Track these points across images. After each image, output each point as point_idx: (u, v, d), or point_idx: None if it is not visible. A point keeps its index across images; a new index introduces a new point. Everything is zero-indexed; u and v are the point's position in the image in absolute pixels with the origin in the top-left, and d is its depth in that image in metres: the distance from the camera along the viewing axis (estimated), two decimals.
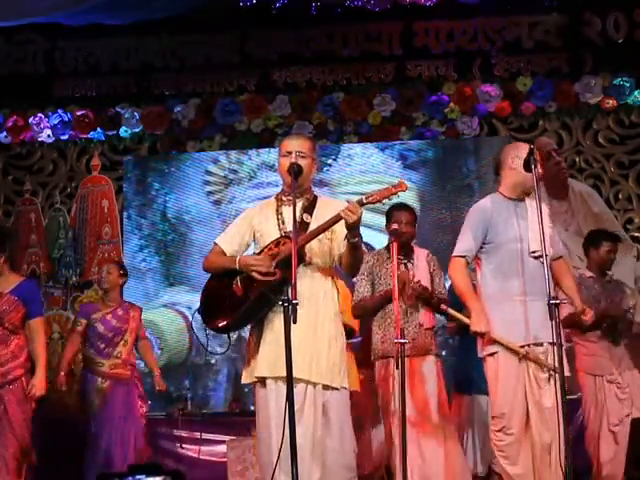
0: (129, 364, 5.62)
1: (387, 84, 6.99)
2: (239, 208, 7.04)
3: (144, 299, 6.70)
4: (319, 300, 3.58)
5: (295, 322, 3.17)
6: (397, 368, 4.18)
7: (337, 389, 3.54)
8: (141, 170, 7.28)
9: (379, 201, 3.45)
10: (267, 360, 3.52)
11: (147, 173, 7.25)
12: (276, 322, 3.50)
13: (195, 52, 7.17)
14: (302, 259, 3.55)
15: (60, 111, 7.17)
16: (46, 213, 7.21)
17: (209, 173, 7.16)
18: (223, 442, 5.90)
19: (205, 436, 6.25)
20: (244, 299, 3.58)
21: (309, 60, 7.09)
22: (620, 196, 6.79)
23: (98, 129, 7.19)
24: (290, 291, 3.22)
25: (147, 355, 5.88)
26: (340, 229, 3.49)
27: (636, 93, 6.74)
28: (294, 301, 3.20)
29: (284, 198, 3.70)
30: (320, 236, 3.56)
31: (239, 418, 6.31)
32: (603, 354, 5.10)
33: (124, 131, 7.16)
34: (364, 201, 3.41)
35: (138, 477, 2.54)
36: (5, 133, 7.24)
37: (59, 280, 7.02)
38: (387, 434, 4.66)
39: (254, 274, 3.53)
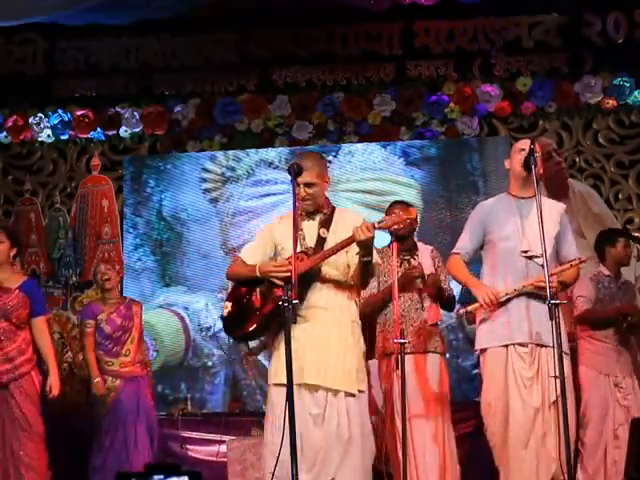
0: (139, 361, 5.64)
1: (387, 84, 6.98)
2: (237, 206, 7.03)
3: (139, 299, 6.52)
4: (335, 311, 3.67)
5: (295, 322, 3.23)
6: (397, 368, 4.20)
7: (354, 395, 3.62)
8: (136, 167, 7.22)
9: (390, 227, 3.53)
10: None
11: (142, 170, 7.19)
12: (295, 332, 3.55)
13: (195, 52, 7.16)
14: (317, 276, 3.65)
15: (60, 111, 7.16)
16: (46, 213, 7.20)
17: (206, 170, 7.10)
18: (223, 442, 5.91)
19: (205, 436, 6.26)
20: (261, 310, 3.67)
21: (309, 60, 7.08)
22: (620, 196, 6.78)
23: (98, 129, 7.19)
24: (291, 292, 3.26)
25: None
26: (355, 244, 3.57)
27: (636, 93, 6.74)
28: (294, 301, 3.25)
29: (303, 213, 3.78)
30: None
31: (239, 418, 6.32)
32: (611, 354, 5.13)
33: (124, 131, 7.16)
34: (376, 226, 3.49)
35: (157, 477, 2.55)
36: (5, 133, 7.23)
37: (59, 280, 7.01)
38: (388, 431, 4.66)
39: (275, 280, 3.62)
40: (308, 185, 3.69)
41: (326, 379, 3.57)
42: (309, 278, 3.63)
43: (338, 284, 3.71)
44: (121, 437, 5.47)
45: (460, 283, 4.26)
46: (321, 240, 3.71)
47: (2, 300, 4.69)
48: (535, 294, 3.82)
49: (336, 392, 3.60)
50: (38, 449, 4.65)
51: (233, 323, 3.82)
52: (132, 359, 5.61)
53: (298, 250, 3.67)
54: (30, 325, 4.80)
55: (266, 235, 3.88)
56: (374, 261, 3.67)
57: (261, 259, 3.81)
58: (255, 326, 3.69)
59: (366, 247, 3.51)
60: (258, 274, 3.68)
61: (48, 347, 4.83)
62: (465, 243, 4.15)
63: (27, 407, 4.62)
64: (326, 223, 3.75)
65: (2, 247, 4.74)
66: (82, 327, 5.77)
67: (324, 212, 3.79)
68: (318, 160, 3.82)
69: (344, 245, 3.56)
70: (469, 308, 4.05)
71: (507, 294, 3.88)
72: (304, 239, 3.74)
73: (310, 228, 3.76)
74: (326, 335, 3.61)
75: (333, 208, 3.84)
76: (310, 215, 3.78)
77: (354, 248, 3.60)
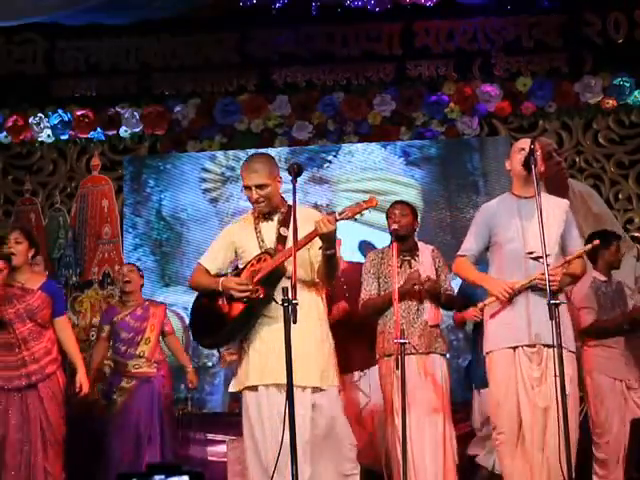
0: (154, 362, 5.59)
1: (387, 84, 6.99)
2: (237, 206, 7.01)
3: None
4: (303, 308, 3.60)
5: (295, 322, 3.23)
6: (397, 368, 4.20)
7: (322, 390, 3.65)
8: (136, 167, 7.21)
9: (351, 217, 3.54)
10: (258, 368, 3.65)
11: (142, 170, 7.18)
12: (263, 332, 3.65)
13: (195, 52, 7.16)
14: (283, 274, 3.65)
15: (60, 111, 7.17)
16: (46, 213, 7.20)
17: (205, 170, 7.09)
18: (223, 442, 5.91)
19: (205, 436, 6.25)
20: (230, 315, 3.68)
21: (309, 60, 7.08)
22: (620, 196, 6.79)
23: (98, 129, 7.19)
24: (290, 292, 3.25)
25: (176, 350, 5.87)
26: (317, 240, 3.57)
27: (636, 93, 6.74)
28: (294, 301, 3.25)
29: (260, 215, 3.82)
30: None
31: (239, 418, 6.30)
32: (620, 359, 5.12)
33: (124, 131, 7.16)
34: (337, 217, 3.49)
35: (158, 477, 2.56)
36: (5, 133, 7.23)
37: (59, 280, 6.99)
38: (389, 431, 4.66)
39: (236, 296, 3.65)
40: (260, 187, 3.72)
41: (299, 376, 3.52)
42: (277, 278, 3.63)
43: (303, 282, 3.70)
44: (133, 438, 5.45)
45: (470, 283, 4.23)
46: (282, 239, 3.73)
47: (26, 301, 4.70)
48: (539, 295, 3.80)
49: (305, 389, 3.61)
50: (57, 453, 4.66)
51: (201, 330, 3.84)
52: (147, 360, 5.57)
53: (258, 252, 3.71)
54: (53, 325, 4.81)
55: (226, 239, 3.89)
56: (337, 254, 3.68)
57: (222, 264, 3.85)
58: (223, 331, 3.71)
59: (329, 240, 3.51)
60: (220, 289, 3.70)
61: (73, 345, 4.85)
62: (471, 245, 4.13)
63: (52, 409, 4.64)
64: (285, 222, 3.76)
65: (21, 247, 4.73)
66: (98, 331, 5.84)
67: (281, 211, 3.80)
68: (267, 161, 3.84)
69: (308, 239, 3.55)
70: (486, 302, 4.03)
71: (522, 285, 3.87)
72: (263, 240, 3.76)
73: (268, 228, 3.79)
74: (296, 334, 3.52)
75: (289, 206, 3.82)
76: (267, 216, 3.80)
77: (316, 245, 3.61)
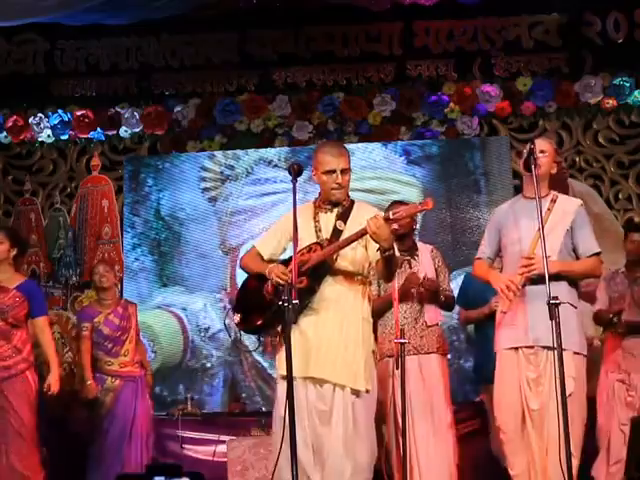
0: (137, 362, 5.62)
1: (387, 84, 6.99)
2: (236, 205, 6.99)
3: (137, 300, 6.32)
4: (347, 305, 3.63)
5: (295, 322, 3.23)
6: (397, 368, 4.20)
7: (363, 392, 3.60)
8: (135, 166, 7.19)
9: (405, 218, 3.50)
10: (295, 360, 3.50)
11: (140, 169, 7.16)
12: (303, 324, 3.58)
13: (195, 52, 7.17)
14: (330, 269, 3.62)
15: (60, 111, 7.17)
16: (46, 213, 7.20)
17: (205, 169, 7.05)
18: (223, 442, 5.91)
19: (205, 436, 6.25)
20: (272, 303, 3.63)
21: (309, 60, 7.09)
22: (620, 196, 6.78)
23: (98, 129, 7.19)
24: (292, 293, 3.25)
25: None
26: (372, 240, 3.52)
27: (636, 93, 6.74)
28: (294, 301, 3.25)
29: (322, 205, 3.76)
30: (354, 244, 3.60)
31: (239, 418, 6.32)
32: (619, 352, 5.05)
33: (124, 131, 7.16)
34: (391, 217, 3.42)
35: (158, 478, 2.55)
36: (5, 133, 7.24)
37: (59, 280, 7.00)
38: (387, 433, 4.66)
39: (275, 283, 3.62)
40: (344, 171, 3.68)
41: (333, 374, 3.55)
42: (323, 271, 3.60)
43: (352, 279, 3.67)
44: (119, 437, 5.45)
45: (484, 282, 4.24)
46: (337, 232, 3.68)
47: None
48: (540, 296, 3.78)
49: (343, 388, 3.56)
50: (30, 451, 4.64)
51: (243, 313, 3.81)
52: (131, 359, 5.60)
53: (313, 241, 3.68)
54: (28, 325, 4.83)
55: (282, 226, 3.84)
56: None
57: (274, 250, 3.83)
58: (263, 320, 3.69)
59: (382, 240, 3.41)
60: (267, 273, 3.67)
61: (49, 346, 4.86)
62: (485, 248, 4.19)
63: (20, 405, 4.63)
64: (344, 216, 3.71)
65: (1, 247, 4.77)
66: (79, 330, 5.75)
67: (343, 204, 3.75)
68: (346, 149, 3.81)
69: (356, 237, 3.52)
70: (493, 300, 4.04)
71: (519, 279, 3.87)
72: (320, 231, 3.71)
73: (327, 220, 3.73)
74: (336, 329, 3.58)
75: (352, 202, 3.79)
76: (328, 207, 3.75)
77: (371, 243, 3.56)
